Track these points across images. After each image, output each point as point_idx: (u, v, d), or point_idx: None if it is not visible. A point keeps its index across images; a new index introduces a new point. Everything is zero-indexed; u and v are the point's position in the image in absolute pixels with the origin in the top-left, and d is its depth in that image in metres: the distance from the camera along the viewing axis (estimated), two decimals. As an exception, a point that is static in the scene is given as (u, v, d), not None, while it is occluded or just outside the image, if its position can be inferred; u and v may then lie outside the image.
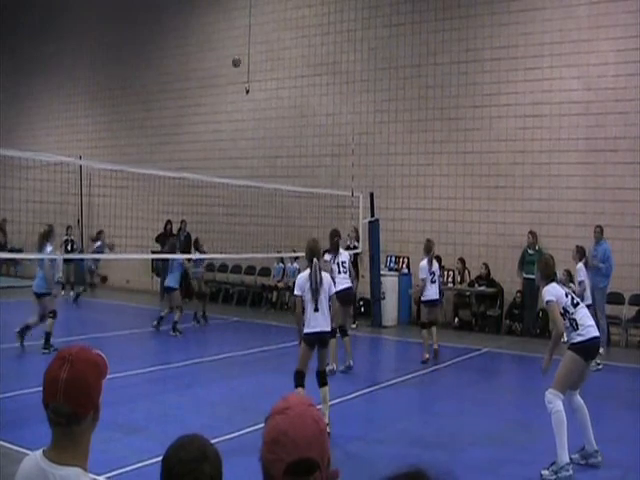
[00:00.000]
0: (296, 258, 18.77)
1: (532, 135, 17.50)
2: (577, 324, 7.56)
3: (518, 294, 16.94)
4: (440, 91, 18.77)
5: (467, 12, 18.50)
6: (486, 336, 16.68)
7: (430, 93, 18.94)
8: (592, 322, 7.71)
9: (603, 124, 16.72)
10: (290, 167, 21.11)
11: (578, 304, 7.73)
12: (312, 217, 18.22)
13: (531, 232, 16.54)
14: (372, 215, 17.96)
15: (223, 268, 22.26)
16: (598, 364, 12.40)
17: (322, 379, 8.60)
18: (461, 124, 18.43)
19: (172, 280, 15.94)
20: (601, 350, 14.51)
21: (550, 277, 7.81)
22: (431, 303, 13.61)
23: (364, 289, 17.90)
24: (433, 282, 13.43)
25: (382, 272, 17.81)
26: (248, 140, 22.27)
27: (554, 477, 7.15)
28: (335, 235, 12.46)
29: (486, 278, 17.42)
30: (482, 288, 17.35)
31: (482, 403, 10.67)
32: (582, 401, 7.70)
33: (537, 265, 8.25)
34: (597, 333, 7.68)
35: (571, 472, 7.13)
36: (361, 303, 18.69)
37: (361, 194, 17.69)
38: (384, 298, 17.60)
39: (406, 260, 18.53)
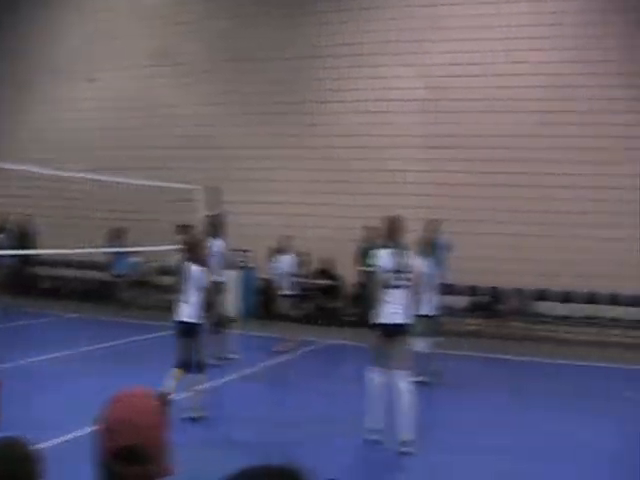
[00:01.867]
0: (137, 252, 18.36)
1: (374, 131, 17.88)
2: (384, 305, 7.86)
3: (357, 286, 17.25)
4: (284, 86, 18.84)
5: (313, 8, 18.67)
6: (328, 328, 16.90)
7: (274, 88, 18.97)
8: (398, 309, 7.90)
9: (441, 122, 17.34)
10: (133, 159, 20.54)
11: (397, 287, 7.86)
12: (154, 211, 17.91)
13: (367, 227, 16.75)
14: (217, 210, 17.74)
15: (66, 263, 21.36)
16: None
17: (197, 368, 9.05)
18: (304, 119, 18.58)
19: None
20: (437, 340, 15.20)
21: (390, 237, 7.93)
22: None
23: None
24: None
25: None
26: (91, 131, 21.52)
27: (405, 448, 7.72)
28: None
29: (328, 271, 17.65)
30: (324, 281, 17.57)
31: (326, 393, 10.88)
32: (406, 386, 7.92)
33: (382, 222, 8.25)
34: (400, 320, 7.90)
35: (376, 437, 7.99)
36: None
37: (204, 187, 17.45)
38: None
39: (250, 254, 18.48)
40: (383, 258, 7.87)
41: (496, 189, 17.00)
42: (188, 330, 8.95)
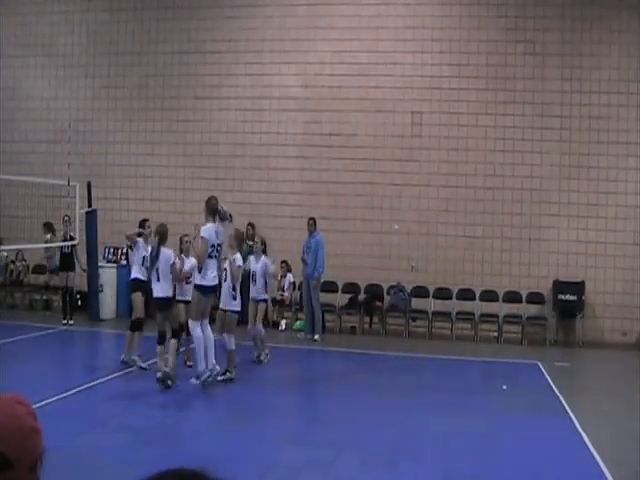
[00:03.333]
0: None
1: (252, 128, 17.83)
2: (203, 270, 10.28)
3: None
4: (161, 80, 18.52)
5: (191, 2, 18.42)
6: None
7: (151, 82, 18.62)
8: (213, 274, 10.38)
9: (319, 120, 17.47)
10: (2, 153, 19.68)
11: (211, 257, 10.24)
12: (25, 207, 17.18)
13: (250, 224, 16.73)
14: (89, 205, 17.27)
15: None
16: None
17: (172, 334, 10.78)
18: (182, 115, 18.32)
19: None
20: (316, 337, 15.32)
21: (208, 216, 10.45)
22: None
23: (81, 281, 17.24)
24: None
25: (100, 264, 17.23)
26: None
27: (198, 381, 10.27)
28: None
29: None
30: (202, 279, 17.33)
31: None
32: (209, 331, 10.44)
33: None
34: (211, 283, 10.39)
35: (208, 374, 10.19)
36: (78, 297, 17.88)
37: (78, 183, 16.93)
38: (102, 291, 17.03)
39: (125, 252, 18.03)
40: (206, 230, 10.26)
41: (374, 187, 17.26)
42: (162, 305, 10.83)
